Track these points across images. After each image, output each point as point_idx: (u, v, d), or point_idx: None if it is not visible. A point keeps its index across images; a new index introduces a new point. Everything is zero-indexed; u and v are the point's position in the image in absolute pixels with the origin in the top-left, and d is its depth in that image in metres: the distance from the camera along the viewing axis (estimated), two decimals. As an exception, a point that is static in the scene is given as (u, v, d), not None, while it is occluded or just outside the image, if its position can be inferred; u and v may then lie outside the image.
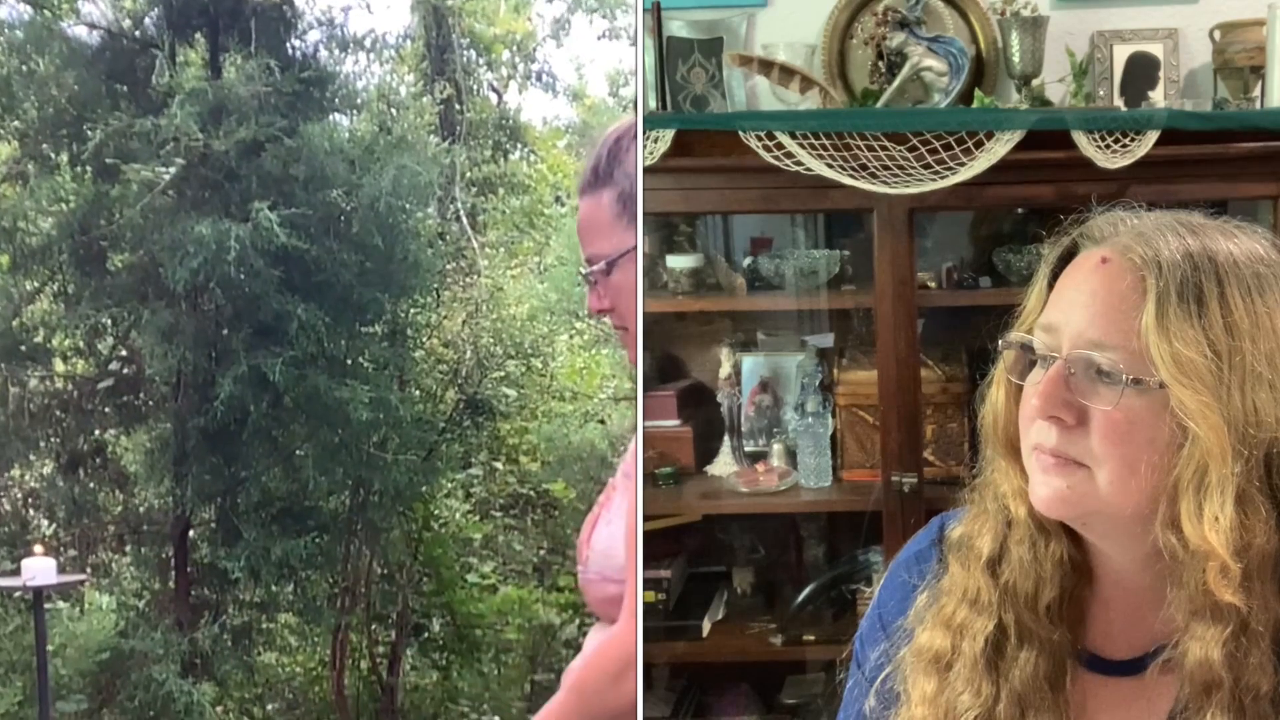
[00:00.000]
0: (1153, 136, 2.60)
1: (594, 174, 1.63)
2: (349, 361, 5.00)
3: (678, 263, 3.06)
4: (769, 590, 3.20)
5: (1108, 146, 2.60)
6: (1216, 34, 2.90)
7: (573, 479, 5.80)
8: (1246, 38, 2.84)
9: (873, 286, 2.84)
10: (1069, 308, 1.14)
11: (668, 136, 2.66)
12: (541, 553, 6.08)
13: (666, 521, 3.08)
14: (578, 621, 5.72)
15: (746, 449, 3.19)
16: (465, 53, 5.99)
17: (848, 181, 2.63)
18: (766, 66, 2.93)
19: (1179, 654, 1.09)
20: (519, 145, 6.40)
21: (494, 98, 6.34)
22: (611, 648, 1.56)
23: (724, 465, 3.18)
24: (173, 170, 4.67)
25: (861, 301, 3.05)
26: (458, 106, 5.84)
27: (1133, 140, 2.60)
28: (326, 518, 5.19)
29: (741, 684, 3.13)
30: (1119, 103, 2.93)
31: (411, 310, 5.33)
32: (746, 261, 3.13)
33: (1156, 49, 2.95)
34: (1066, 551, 1.18)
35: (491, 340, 5.66)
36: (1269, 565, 1.07)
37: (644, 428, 3.09)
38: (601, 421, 5.93)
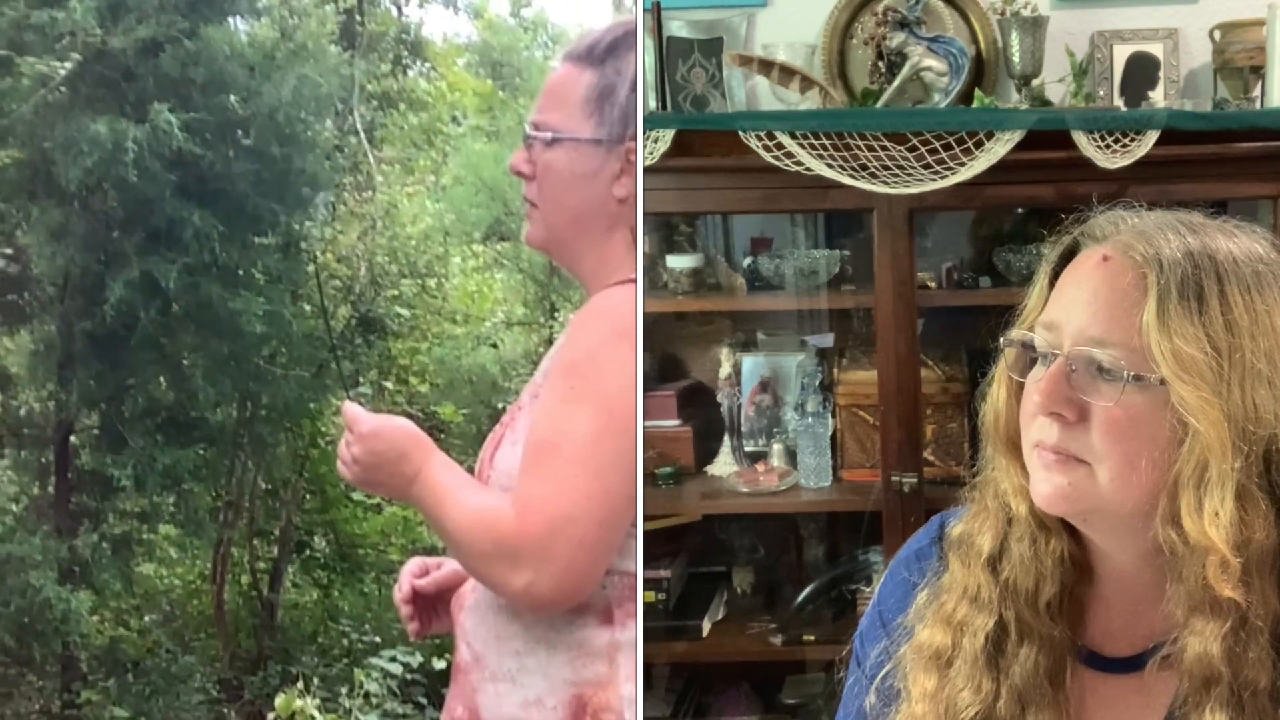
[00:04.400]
0: (1153, 136, 2.60)
1: (588, 50, 1.60)
2: (241, 272, 4.88)
3: (678, 263, 3.06)
4: (769, 590, 3.19)
5: (1108, 146, 2.60)
6: (1216, 34, 2.90)
7: (462, 402, 5.69)
8: (1246, 38, 2.84)
9: (873, 286, 2.83)
10: (1070, 305, 1.14)
11: (668, 136, 2.66)
12: (428, 475, 6.01)
13: (666, 521, 3.07)
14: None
15: (746, 449, 3.19)
16: (367, -39, 5.91)
17: (848, 181, 2.63)
18: (766, 66, 2.94)
19: (1178, 650, 1.10)
20: (419, 60, 6.29)
21: (395, 10, 6.24)
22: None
23: (724, 465, 3.18)
24: (68, 66, 4.52)
25: (861, 301, 3.05)
26: (358, 18, 5.74)
27: (1133, 140, 2.60)
28: (213, 430, 5.09)
29: (741, 684, 3.12)
30: (1119, 103, 2.93)
31: (306, 223, 5.24)
32: (746, 261, 3.14)
33: (1156, 49, 2.95)
34: (1067, 548, 1.18)
35: (386, 258, 5.57)
36: (1268, 561, 1.08)
37: (644, 428, 3.09)
38: (494, 346, 5.84)
